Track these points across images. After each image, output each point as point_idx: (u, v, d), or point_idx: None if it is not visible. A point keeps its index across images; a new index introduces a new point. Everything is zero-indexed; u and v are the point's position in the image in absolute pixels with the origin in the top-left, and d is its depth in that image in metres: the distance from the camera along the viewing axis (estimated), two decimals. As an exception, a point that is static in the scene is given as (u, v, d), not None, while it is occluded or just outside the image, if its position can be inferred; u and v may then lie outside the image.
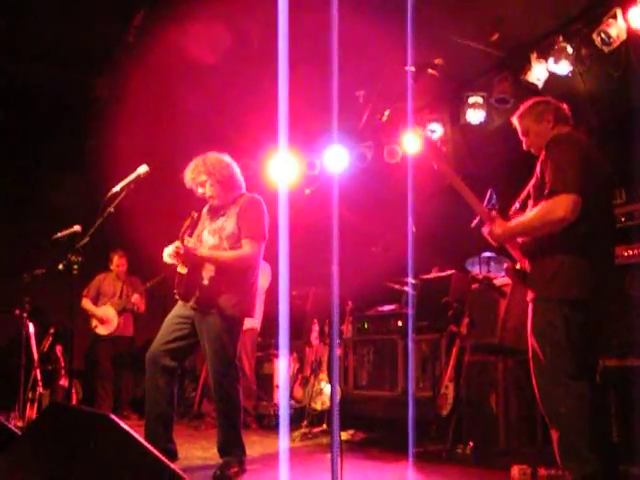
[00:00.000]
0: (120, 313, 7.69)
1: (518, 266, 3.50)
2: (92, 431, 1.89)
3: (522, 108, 3.60)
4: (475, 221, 3.58)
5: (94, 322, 7.64)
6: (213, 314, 4.31)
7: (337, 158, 7.46)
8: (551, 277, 3.23)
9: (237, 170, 4.63)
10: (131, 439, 1.81)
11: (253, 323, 6.57)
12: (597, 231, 3.25)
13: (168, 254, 4.36)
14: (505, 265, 3.71)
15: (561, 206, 3.11)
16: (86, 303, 7.67)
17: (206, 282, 4.38)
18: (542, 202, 3.22)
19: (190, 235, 4.41)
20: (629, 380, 3.92)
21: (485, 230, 3.46)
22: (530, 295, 3.35)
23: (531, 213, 3.33)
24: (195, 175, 4.48)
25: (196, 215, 4.40)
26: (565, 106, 3.55)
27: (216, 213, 4.58)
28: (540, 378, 3.27)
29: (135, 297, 7.68)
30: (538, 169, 3.35)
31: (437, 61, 3.05)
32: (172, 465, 1.83)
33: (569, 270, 3.19)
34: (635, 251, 4.10)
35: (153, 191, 5.87)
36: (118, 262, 7.89)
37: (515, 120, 3.62)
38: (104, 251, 7.87)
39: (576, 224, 3.13)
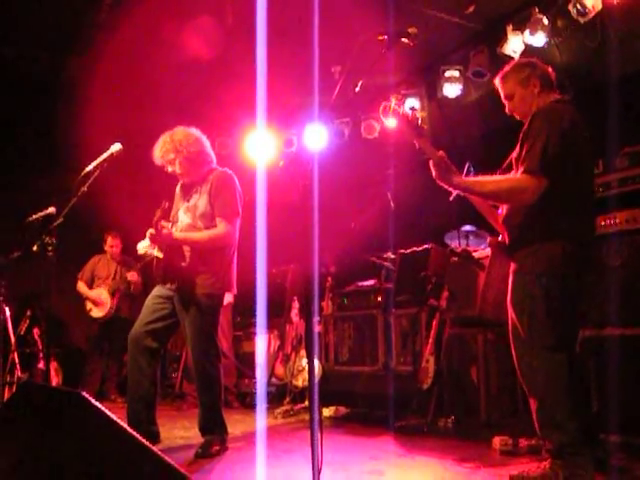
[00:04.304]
0: (113, 294, 7.57)
1: (500, 238, 3.49)
2: (63, 410, 1.86)
3: (506, 69, 3.48)
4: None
5: (88, 305, 7.56)
6: (193, 294, 4.28)
7: (316, 135, 7.41)
8: (532, 250, 3.22)
9: (207, 144, 4.56)
10: (104, 417, 1.78)
11: (228, 298, 6.54)
12: (578, 205, 3.24)
13: (142, 245, 4.34)
14: (488, 239, 3.69)
15: (531, 188, 3.12)
16: (81, 286, 7.62)
17: (183, 264, 4.35)
18: (512, 173, 3.20)
19: (166, 220, 4.35)
20: (607, 349, 3.95)
21: (436, 172, 3.29)
22: (512, 267, 3.35)
23: (497, 179, 3.31)
24: (163, 153, 4.40)
25: (167, 205, 4.31)
26: (550, 69, 3.46)
27: (189, 191, 4.53)
28: (519, 349, 3.28)
29: (131, 274, 7.51)
30: (520, 139, 3.29)
31: (411, 30, 2.99)
32: (147, 443, 1.80)
33: (550, 243, 3.18)
34: (612, 221, 4.11)
35: (144, 171, 5.76)
36: (112, 243, 7.79)
37: (498, 82, 3.50)
38: (98, 233, 7.83)
39: (558, 197, 3.13)
